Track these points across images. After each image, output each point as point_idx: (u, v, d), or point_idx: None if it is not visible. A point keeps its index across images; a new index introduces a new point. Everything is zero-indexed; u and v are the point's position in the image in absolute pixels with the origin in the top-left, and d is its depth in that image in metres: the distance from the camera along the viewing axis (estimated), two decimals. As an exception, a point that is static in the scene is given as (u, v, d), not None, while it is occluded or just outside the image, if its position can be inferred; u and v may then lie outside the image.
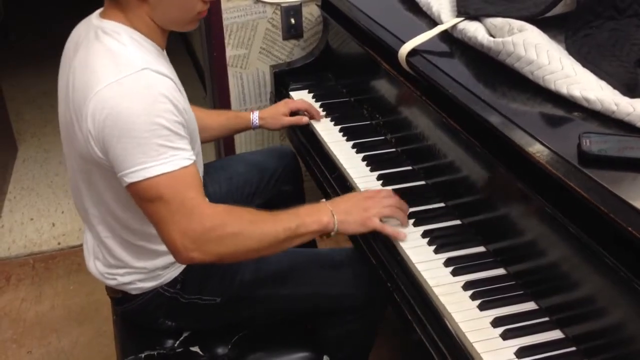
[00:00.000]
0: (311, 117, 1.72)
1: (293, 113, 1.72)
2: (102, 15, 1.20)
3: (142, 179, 1.09)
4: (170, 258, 1.29)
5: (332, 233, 1.24)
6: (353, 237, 1.38)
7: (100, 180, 1.21)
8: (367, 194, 1.31)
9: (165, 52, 1.26)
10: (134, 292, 1.33)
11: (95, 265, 1.35)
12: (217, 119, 1.67)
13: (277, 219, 1.20)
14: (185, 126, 1.15)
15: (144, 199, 1.12)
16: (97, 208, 1.26)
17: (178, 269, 1.33)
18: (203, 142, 1.44)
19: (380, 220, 1.26)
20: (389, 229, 1.25)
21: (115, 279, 1.32)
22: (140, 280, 1.31)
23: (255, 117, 1.68)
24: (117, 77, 1.09)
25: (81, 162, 1.21)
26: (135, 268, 1.30)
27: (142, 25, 1.18)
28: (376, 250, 1.29)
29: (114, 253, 1.29)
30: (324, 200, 1.33)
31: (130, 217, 1.24)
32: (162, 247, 1.26)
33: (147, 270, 1.30)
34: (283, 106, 1.72)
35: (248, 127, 1.70)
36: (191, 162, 1.13)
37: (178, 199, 1.10)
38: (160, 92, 1.10)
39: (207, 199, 1.18)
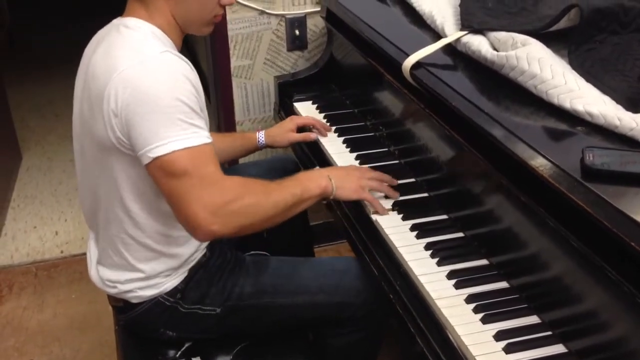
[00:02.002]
0: (318, 132, 1.71)
1: (300, 129, 1.72)
2: (124, 14, 1.26)
3: (168, 152, 1.13)
4: (169, 263, 1.31)
5: (331, 197, 1.34)
6: (355, 248, 1.38)
7: (117, 170, 1.23)
8: (359, 166, 1.41)
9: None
10: (134, 301, 1.34)
11: (97, 272, 1.36)
12: (223, 140, 1.66)
13: (283, 186, 1.28)
14: (203, 110, 1.20)
15: (167, 174, 1.15)
16: (109, 200, 1.27)
17: (178, 277, 1.34)
18: None
19: None
20: (378, 205, 1.36)
21: (115, 287, 1.33)
22: (140, 289, 1.32)
23: (261, 136, 1.68)
24: (139, 59, 1.15)
25: (98, 152, 1.23)
26: (136, 271, 1.30)
27: (164, 22, 1.24)
28: (378, 262, 1.29)
29: (119, 251, 1.30)
30: (317, 167, 1.39)
31: (141, 209, 1.25)
32: (165, 249, 1.29)
33: (146, 275, 1.30)
34: (289, 123, 1.71)
35: (255, 147, 1.69)
36: (210, 140, 1.18)
37: (200, 172, 1.15)
38: (182, 73, 1.16)
39: (223, 174, 1.21)
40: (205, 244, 1.38)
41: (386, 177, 1.42)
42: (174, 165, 1.13)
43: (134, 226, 1.27)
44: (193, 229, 1.17)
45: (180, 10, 1.24)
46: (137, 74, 1.14)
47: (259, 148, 1.70)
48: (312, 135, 1.69)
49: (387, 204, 1.40)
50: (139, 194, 1.24)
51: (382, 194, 1.41)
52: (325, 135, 1.71)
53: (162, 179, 1.16)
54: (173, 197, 1.17)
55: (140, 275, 1.31)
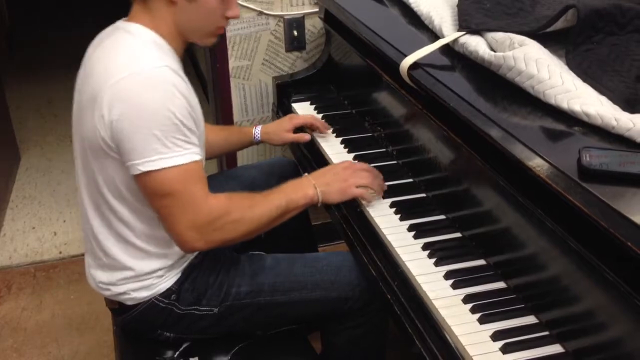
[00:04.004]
0: (317, 130, 1.71)
1: (297, 129, 1.72)
2: (128, 19, 1.27)
3: (157, 169, 1.15)
4: (159, 263, 1.31)
5: (318, 204, 1.36)
6: (353, 248, 1.38)
7: (98, 169, 1.24)
8: (344, 164, 1.41)
9: (181, 62, 1.30)
10: (129, 303, 1.34)
11: (91, 275, 1.36)
12: (220, 134, 1.67)
13: (268, 199, 1.31)
14: (197, 125, 1.22)
15: (154, 192, 1.18)
16: (96, 200, 1.28)
17: (171, 279, 1.34)
18: (206, 158, 1.45)
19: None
20: (368, 195, 1.37)
21: (109, 289, 1.33)
22: (133, 290, 1.32)
23: (257, 131, 1.69)
24: (138, 69, 1.16)
25: (84, 150, 1.24)
26: (127, 269, 1.30)
27: (166, 30, 1.25)
28: (376, 262, 1.29)
29: (108, 251, 1.30)
30: (306, 174, 1.41)
31: (126, 210, 1.26)
32: (154, 249, 1.30)
33: (137, 273, 1.30)
34: (287, 122, 1.71)
35: (250, 142, 1.71)
36: (200, 157, 1.21)
37: (187, 192, 1.18)
38: (178, 89, 1.17)
39: (209, 192, 1.24)
40: None
41: (380, 176, 1.42)
42: (162, 184, 1.17)
43: (122, 225, 1.28)
44: (179, 244, 1.25)
45: (183, 19, 1.25)
46: (133, 86, 1.14)
47: (254, 143, 1.71)
48: (305, 137, 1.69)
49: (385, 203, 1.40)
50: (123, 197, 1.25)
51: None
52: (326, 133, 1.71)
53: (149, 194, 1.20)
54: (160, 214, 1.22)
55: (131, 273, 1.31)
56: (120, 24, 1.27)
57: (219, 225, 1.23)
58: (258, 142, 1.71)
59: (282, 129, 1.70)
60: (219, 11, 1.27)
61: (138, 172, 1.16)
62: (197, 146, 1.20)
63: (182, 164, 1.17)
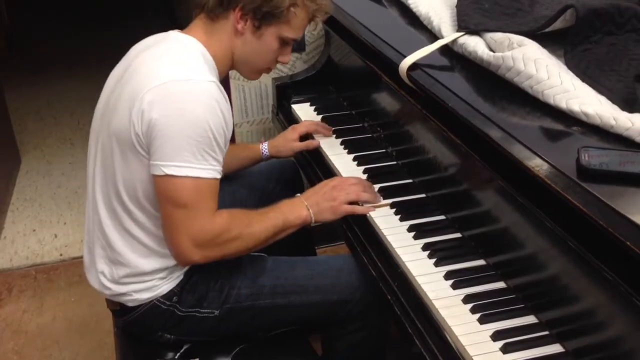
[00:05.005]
0: (320, 134, 1.71)
1: (302, 137, 1.72)
2: (184, 30, 1.31)
3: (179, 176, 1.17)
4: (163, 262, 1.31)
5: (312, 223, 1.39)
6: (353, 249, 1.38)
7: (120, 165, 1.25)
8: (334, 183, 1.42)
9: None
10: (130, 304, 1.34)
11: (94, 268, 1.36)
12: (228, 150, 1.66)
13: (265, 218, 1.33)
14: (226, 145, 1.24)
15: (168, 198, 1.20)
16: (107, 193, 1.29)
17: (173, 281, 1.34)
18: None
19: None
20: (359, 209, 1.39)
21: (110, 288, 1.34)
22: (135, 292, 1.32)
23: (265, 147, 1.69)
24: (188, 77, 1.19)
25: (109, 144, 1.26)
26: (130, 266, 1.30)
27: (219, 53, 1.30)
28: (376, 263, 1.29)
29: (112, 244, 1.31)
30: (298, 195, 1.43)
31: (138, 209, 1.27)
32: (157, 247, 1.30)
33: (141, 272, 1.31)
34: (291, 132, 1.72)
35: (259, 159, 1.70)
36: (220, 175, 1.24)
37: (199, 207, 1.21)
38: (220, 107, 1.20)
39: (216, 209, 1.26)
40: None
41: (369, 187, 1.43)
42: (179, 192, 1.19)
43: (131, 221, 1.29)
44: (176, 254, 1.26)
45: (242, 49, 1.31)
46: (179, 91, 1.17)
47: (263, 159, 1.71)
48: (314, 143, 1.69)
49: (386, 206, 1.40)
50: (138, 199, 1.26)
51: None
52: (329, 136, 1.71)
53: (163, 198, 1.22)
54: (166, 219, 1.23)
55: (135, 271, 1.31)
56: (173, 34, 1.31)
57: (218, 242, 1.26)
58: (267, 159, 1.71)
59: (288, 140, 1.70)
60: (276, 53, 1.35)
61: (161, 174, 1.18)
62: (221, 164, 1.23)
63: (204, 178, 1.19)
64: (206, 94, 1.19)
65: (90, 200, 1.36)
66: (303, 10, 1.31)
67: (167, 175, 1.18)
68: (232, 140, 1.95)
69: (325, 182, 1.44)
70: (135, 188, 1.25)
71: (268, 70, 1.41)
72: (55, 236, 2.64)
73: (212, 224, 1.24)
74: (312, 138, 1.71)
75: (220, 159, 1.23)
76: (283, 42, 1.34)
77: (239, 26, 1.28)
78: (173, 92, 1.17)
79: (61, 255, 2.53)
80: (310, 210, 1.37)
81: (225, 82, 2.13)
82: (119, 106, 1.23)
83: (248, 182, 1.71)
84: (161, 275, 1.32)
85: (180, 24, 1.43)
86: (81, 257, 1.45)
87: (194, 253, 1.24)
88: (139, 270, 1.31)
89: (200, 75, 1.20)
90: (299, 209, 1.37)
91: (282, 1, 1.27)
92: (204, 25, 1.30)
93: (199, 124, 1.17)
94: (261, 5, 1.26)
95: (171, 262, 1.32)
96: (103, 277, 1.34)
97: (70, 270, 2.43)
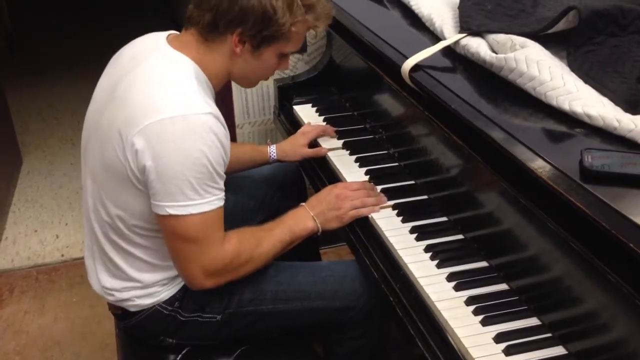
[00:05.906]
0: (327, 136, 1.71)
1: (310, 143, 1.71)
2: (173, 44, 1.24)
3: (184, 215, 1.16)
4: (166, 274, 1.31)
5: (318, 233, 1.38)
6: (355, 250, 1.38)
7: (112, 191, 1.23)
8: (337, 190, 1.41)
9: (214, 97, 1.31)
10: (132, 309, 1.34)
11: (96, 278, 1.36)
12: (234, 150, 1.65)
13: (272, 234, 1.32)
14: (225, 165, 1.22)
15: (176, 234, 1.19)
16: (100, 216, 1.28)
17: (175, 287, 1.34)
18: None
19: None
20: (364, 211, 1.38)
21: (112, 294, 1.33)
22: (138, 297, 1.32)
23: (272, 150, 1.68)
24: (184, 112, 1.13)
25: (101, 170, 1.23)
26: (133, 280, 1.30)
27: (213, 71, 1.26)
28: (378, 264, 1.29)
29: (114, 263, 1.30)
30: (302, 204, 1.41)
31: (135, 234, 1.26)
32: (160, 262, 1.29)
33: (143, 284, 1.31)
34: (301, 137, 1.70)
35: (265, 161, 1.69)
36: (224, 201, 1.22)
37: (207, 238, 1.20)
38: (218, 139, 1.16)
39: (224, 235, 1.25)
40: None
41: (372, 191, 1.43)
42: (186, 229, 1.18)
43: (129, 244, 1.28)
44: (188, 283, 1.28)
45: (240, 68, 1.28)
46: (177, 129, 1.12)
47: (269, 162, 1.69)
48: (323, 151, 1.67)
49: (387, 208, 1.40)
50: (133, 223, 1.25)
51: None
52: (335, 136, 1.71)
53: (169, 235, 1.21)
54: (176, 253, 1.23)
55: (137, 284, 1.31)
56: (163, 45, 1.24)
57: (230, 268, 1.26)
58: (274, 161, 1.69)
59: (298, 145, 1.69)
60: (275, 67, 1.34)
61: (165, 214, 1.16)
62: (223, 190, 1.21)
63: (208, 211, 1.18)
64: (205, 129, 1.14)
65: (86, 219, 1.34)
66: (303, 25, 1.28)
67: (172, 215, 1.16)
68: (233, 140, 1.96)
69: (328, 189, 1.42)
70: (133, 216, 1.23)
71: (267, 78, 1.39)
72: (57, 237, 2.64)
73: (223, 253, 1.23)
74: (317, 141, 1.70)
75: (222, 185, 1.21)
76: (282, 55, 1.32)
77: (237, 49, 1.23)
78: (169, 130, 1.12)
79: (62, 255, 2.53)
80: (316, 220, 1.36)
81: (226, 83, 2.13)
82: (112, 137, 1.18)
83: (249, 185, 1.70)
84: (163, 282, 1.32)
85: (180, 24, 1.42)
86: (83, 257, 1.44)
87: (206, 281, 1.25)
88: (142, 283, 1.31)
89: (196, 107, 1.14)
90: (305, 221, 1.36)
91: (282, 25, 1.22)
92: (196, 42, 1.24)
93: (199, 161, 1.14)
94: (261, 31, 1.22)
95: (174, 272, 1.31)
96: (104, 286, 1.34)
97: (72, 271, 2.43)
